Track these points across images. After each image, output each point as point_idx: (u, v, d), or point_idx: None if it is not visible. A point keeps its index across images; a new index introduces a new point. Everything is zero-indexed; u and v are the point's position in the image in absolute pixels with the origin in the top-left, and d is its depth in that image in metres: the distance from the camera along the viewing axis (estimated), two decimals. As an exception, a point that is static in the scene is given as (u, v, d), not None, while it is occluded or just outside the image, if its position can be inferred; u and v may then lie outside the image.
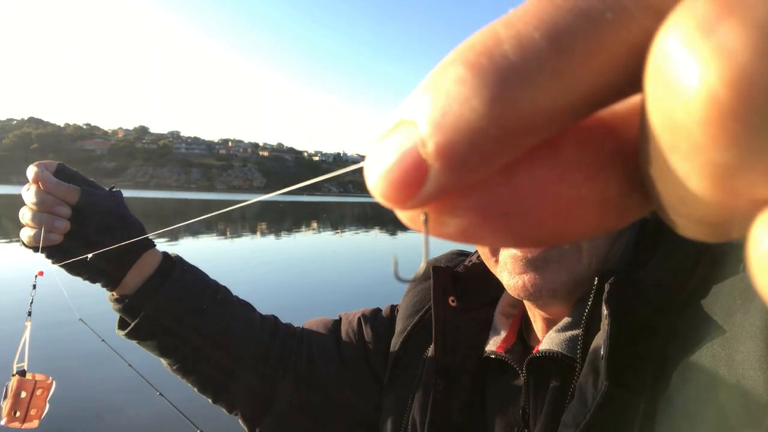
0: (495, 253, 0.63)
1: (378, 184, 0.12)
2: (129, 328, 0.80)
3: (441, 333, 0.73)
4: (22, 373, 0.79)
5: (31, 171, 0.74)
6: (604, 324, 0.49)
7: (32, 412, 0.77)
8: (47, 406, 0.80)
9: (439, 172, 0.11)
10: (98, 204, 0.78)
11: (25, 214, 0.75)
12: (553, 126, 0.11)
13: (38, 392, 0.78)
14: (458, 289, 0.76)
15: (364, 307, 0.96)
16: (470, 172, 0.11)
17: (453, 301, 0.75)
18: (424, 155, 0.11)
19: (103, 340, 1.27)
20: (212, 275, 0.92)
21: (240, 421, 0.89)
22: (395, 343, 0.83)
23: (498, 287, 0.73)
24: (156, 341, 0.81)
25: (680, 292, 0.50)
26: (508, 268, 0.60)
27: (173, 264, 0.84)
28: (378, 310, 0.94)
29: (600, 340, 0.51)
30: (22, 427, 0.76)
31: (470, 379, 0.72)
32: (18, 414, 0.76)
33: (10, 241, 17.33)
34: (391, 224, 36.27)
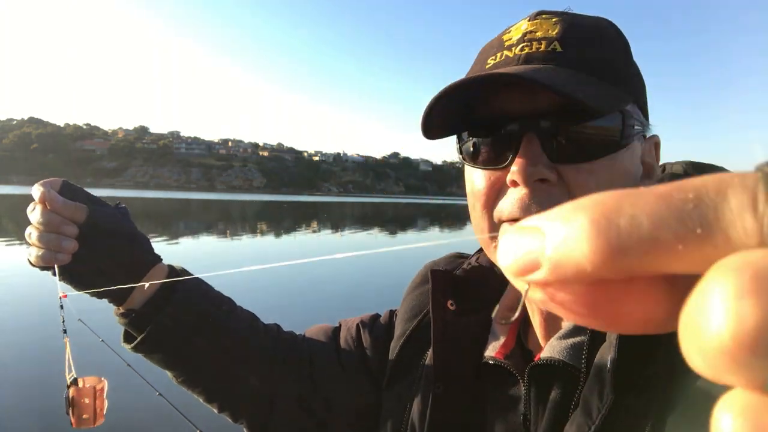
0: (494, 238, 0.63)
1: (507, 265, 0.18)
2: (136, 342, 0.81)
3: (440, 337, 0.73)
4: (74, 382, 0.82)
5: (37, 191, 0.73)
6: (611, 336, 0.49)
7: (98, 410, 0.82)
8: (106, 401, 0.85)
9: (545, 272, 0.17)
10: (106, 221, 0.77)
11: (32, 234, 0.74)
12: (630, 275, 0.16)
13: (97, 393, 0.83)
14: (457, 293, 0.76)
15: (364, 311, 0.97)
16: (564, 279, 0.17)
17: (452, 304, 0.75)
18: (540, 258, 0.17)
19: (102, 341, 1.28)
20: (219, 272, 0.88)
21: (245, 430, 0.91)
22: (394, 347, 0.84)
23: (497, 291, 0.75)
24: (162, 354, 0.82)
25: None
26: None
27: (178, 277, 0.84)
28: (377, 316, 0.95)
29: (605, 350, 0.51)
30: (94, 426, 0.82)
31: (470, 384, 0.72)
32: (87, 417, 0.81)
33: (10, 242, 17.34)
34: (391, 224, 36.33)
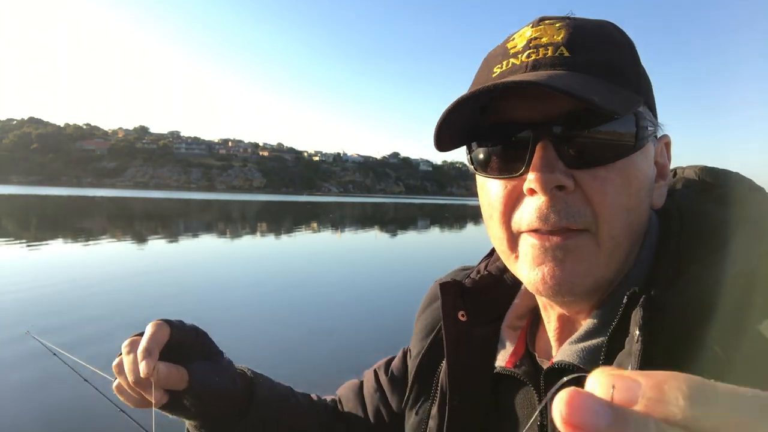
0: (514, 247, 0.62)
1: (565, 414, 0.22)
2: None
3: (453, 349, 0.73)
4: None
5: (140, 361, 0.71)
6: (635, 348, 0.49)
7: None
8: None
9: (641, 405, 0.23)
10: (206, 380, 0.78)
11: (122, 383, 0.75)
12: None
13: None
14: (467, 303, 0.76)
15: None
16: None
17: (463, 315, 0.75)
18: (638, 395, 0.23)
19: (54, 354, 1.16)
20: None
21: None
22: (412, 366, 0.85)
23: (506, 300, 0.77)
24: None
25: (715, 312, 0.48)
26: (528, 260, 0.59)
27: (253, 386, 0.87)
28: (391, 359, 0.99)
29: (624, 358, 0.51)
30: None
31: (485, 394, 0.72)
32: None
33: (10, 242, 17.24)
34: (391, 224, 36.31)
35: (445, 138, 0.62)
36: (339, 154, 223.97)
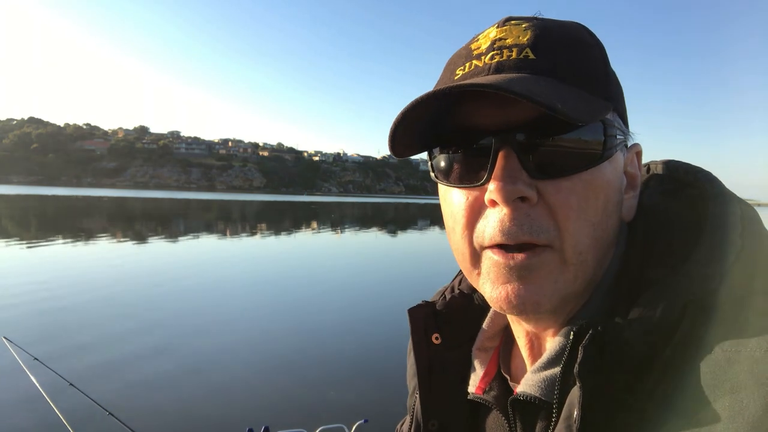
0: (477, 263, 0.59)
1: None
2: None
3: (427, 374, 0.72)
4: None
5: None
6: (576, 393, 0.48)
7: None
8: None
9: None
10: None
11: None
12: None
13: None
14: (441, 325, 0.74)
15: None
16: None
17: (437, 338, 0.73)
18: None
19: (35, 359, 1.17)
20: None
21: None
22: (410, 403, 0.83)
23: (478, 320, 0.74)
24: None
25: (662, 348, 0.47)
26: (491, 277, 0.57)
27: None
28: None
29: (575, 395, 0.50)
30: None
31: (460, 418, 0.71)
32: None
33: (10, 242, 17.24)
34: (391, 224, 36.39)
35: (400, 143, 0.58)
36: (339, 154, 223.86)
